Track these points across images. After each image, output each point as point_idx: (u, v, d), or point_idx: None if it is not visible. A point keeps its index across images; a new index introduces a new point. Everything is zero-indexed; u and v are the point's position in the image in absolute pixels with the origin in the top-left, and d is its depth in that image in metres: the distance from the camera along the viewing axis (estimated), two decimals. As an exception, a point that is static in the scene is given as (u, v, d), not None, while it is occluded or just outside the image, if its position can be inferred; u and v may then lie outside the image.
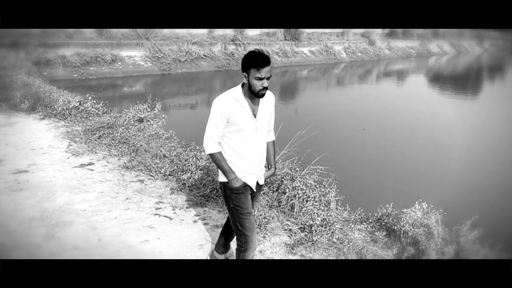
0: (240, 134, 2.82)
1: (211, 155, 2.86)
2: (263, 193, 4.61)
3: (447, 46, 36.18)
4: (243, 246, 2.94)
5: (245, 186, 2.91)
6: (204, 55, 19.02)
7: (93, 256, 3.63)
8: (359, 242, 3.87)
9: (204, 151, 2.83)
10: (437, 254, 3.40)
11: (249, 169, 2.91)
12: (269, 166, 3.19)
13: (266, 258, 3.77)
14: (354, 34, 27.59)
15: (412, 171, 7.49)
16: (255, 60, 2.64)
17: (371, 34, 28.13)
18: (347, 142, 9.14)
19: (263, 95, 2.75)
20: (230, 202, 2.92)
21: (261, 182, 3.07)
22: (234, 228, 3.00)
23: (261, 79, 2.66)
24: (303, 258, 3.77)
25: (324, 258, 3.74)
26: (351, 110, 13.10)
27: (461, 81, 23.96)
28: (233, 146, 2.85)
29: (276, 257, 3.78)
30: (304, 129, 5.36)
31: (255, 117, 2.84)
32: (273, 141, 3.21)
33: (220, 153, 2.85)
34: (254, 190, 3.00)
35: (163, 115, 7.56)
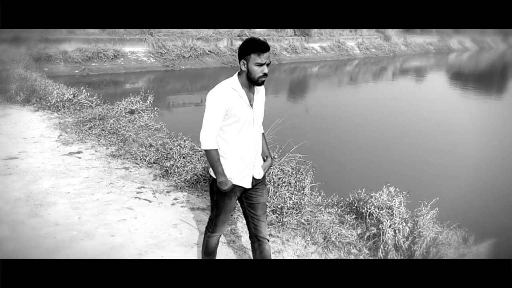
0: (237, 125, 2.83)
1: (207, 151, 2.86)
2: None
3: (469, 42, 35.94)
4: (211, 228, 3.24)
5: (233, 188, 3.02)
6: (209, 51, 19.46)
7: (71, 231, 4.09)
8: (326, 223, 4.26)
9: (200, 146, 3.04)
10: (393, 231, 3.77)
11: (244, 163, 2.94)
12: (265, 157, 3.20)
13: (237, 236, 4.20)
14: (368, 29, 27.73)
15: (391, 161, 7.94)
16: (256, 45, 2.68)
17: (386, 29, 28.20)
18: (334, 135, 9.60)
19: (263, 82, 2.79)
20: (214, 196, 3.11)
21: (258, 176, 3.04)
22: (211, 210, 3.26)
23: (261, 65, 2.71)
24: (271, 237, 4.17)
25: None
26: (352, 107, 13.42)
27: (485, 79, 23.87)
28: (227, 139, 2.88)
29: (246, 236, 4.18)
30: (282, 118, 5.77)
31: (252, 107, 2.88)
32: (263, 133, 3.29)
33: (216, 151, 2.86)
34: (250, 186, 3.06)
35: (155, 108, 8.05)
